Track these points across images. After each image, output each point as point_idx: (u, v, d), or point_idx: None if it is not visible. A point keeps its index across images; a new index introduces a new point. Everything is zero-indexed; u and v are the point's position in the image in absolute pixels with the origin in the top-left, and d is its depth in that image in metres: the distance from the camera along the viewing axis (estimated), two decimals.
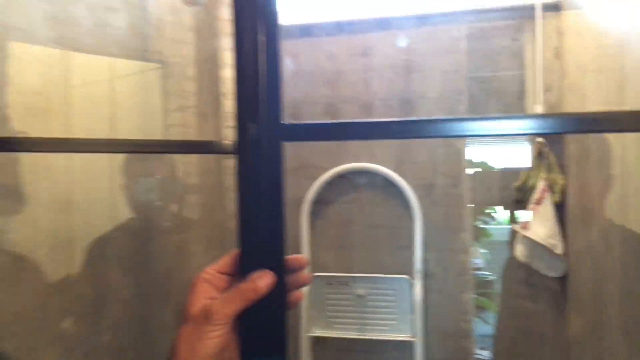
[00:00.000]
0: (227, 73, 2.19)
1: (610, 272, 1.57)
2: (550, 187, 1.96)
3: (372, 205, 2.04)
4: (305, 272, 0.66)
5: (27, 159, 1.41)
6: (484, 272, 3.46)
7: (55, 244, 1.48)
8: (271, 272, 0.63)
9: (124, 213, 1.76)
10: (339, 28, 2.00)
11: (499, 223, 3.71)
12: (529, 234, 1.97)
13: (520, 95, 2.10)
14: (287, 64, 2.03)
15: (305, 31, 2.03)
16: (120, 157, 1.78)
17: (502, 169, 2.28)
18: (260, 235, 0.86)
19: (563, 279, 2.01)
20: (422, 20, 1.91)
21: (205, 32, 2.14)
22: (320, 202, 2.07)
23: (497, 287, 2.47)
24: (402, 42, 1.95)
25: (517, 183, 2.08)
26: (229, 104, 2.23)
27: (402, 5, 1.92)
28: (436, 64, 1.94)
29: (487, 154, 3.54)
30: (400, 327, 1.98)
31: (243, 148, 0.82)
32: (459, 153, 1.96)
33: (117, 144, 1.32)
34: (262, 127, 0.82)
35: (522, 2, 1.93)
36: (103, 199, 1.71)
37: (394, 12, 1.95)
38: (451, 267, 1.99)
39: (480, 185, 2.23)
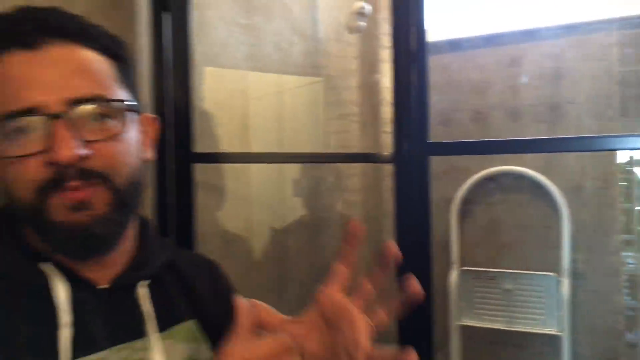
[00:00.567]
0: (386, 82, 2.42)
1: None
2: None
3: (520, 206, 2.16)
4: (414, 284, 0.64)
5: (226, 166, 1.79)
6: None
7: (249, 233, 1.86)
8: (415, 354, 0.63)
9: (299, 210, 2.11)
10: (488, 40, 2.15)
11: None
12: None
13: None
14: (438, 77, 2.22)
15: (455, 45, 2.21)
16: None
17: None
18: (412, 233, 1.13)
19: None
20: (571, 29, 1.99)
21: (366, 47, 2.41)
22: (469, 202, 2.23)
23: None
24: (550, 50, 2.04)
25: None
26: (386, 111, 2.45)
27: (550, 16, 2.02)
28: (585, 70, 2.00)
29: None
30: (548, 322, 2.07)
31: (398, 161, 1.09)
32: (611, 155, 2.00)
33: (293, 156, 1.64)
34: (413, 144, 1.07)
35: None
36: (284, 198, 2.06)
37: (542, 23, 2.05)
38: (601, 268, 2.04)
39: None
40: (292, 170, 2.10)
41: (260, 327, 0.62)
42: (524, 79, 2.11)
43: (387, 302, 0.64)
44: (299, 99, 2.24)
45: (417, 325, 1.15)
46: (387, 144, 2.30)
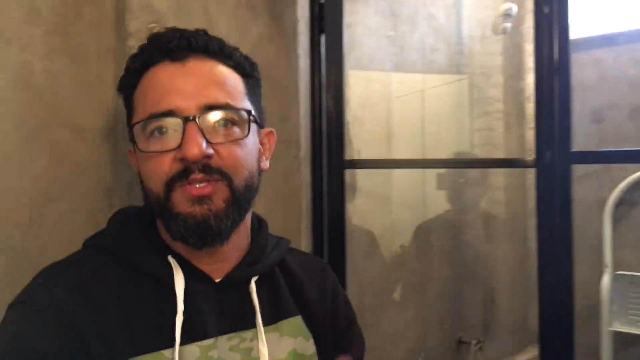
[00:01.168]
0: (530, 78, 2.37)
1: None
2: None
3: None
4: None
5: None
6: None
7: (393, 231, 1.97)
8: None
9: (442, 205, 2.16)
10: None
11: None
12: None
13: None
14: (590, 73, 2.14)
15: (609, 40, 2.11)
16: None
17: None
18: (554, 236, 1.16)
19: None
20: None
21: (511, 43, 2.37)
22: (624, 203, 2.12)
23: None
24: None
25: None
26: (531, 107, 2.40)
27: None
28: None
29: None
30: None
31: (540, 168, 1.12)
32: None
33: (438, 162, 1.71)
34: (556, 152, 1.10)
35: None
36: (427, 193, 2.13)
37: None
38: None
39: None
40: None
41: None
42: None
43: None
44: (443, 98, 2.27)
45: (560, 329, 1.18)
46: (532, 141, 2.26)
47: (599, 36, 2.12)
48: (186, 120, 0.68)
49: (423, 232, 2.10)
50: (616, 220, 2.14)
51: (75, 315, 0.65)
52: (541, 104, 1.19)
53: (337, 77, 1.33)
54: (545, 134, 1.15)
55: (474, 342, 2.13)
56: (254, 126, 0.75)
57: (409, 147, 2.12)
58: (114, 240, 0.75)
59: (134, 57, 0.75)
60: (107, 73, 0.96)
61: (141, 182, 0.75)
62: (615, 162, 1.05)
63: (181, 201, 0.69)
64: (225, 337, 0.73)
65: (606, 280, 2.10)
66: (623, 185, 2.09)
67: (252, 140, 0.76)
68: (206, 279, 0.75)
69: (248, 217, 0.80)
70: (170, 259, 0.73)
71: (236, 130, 0.72)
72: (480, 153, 2.33)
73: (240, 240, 0.79)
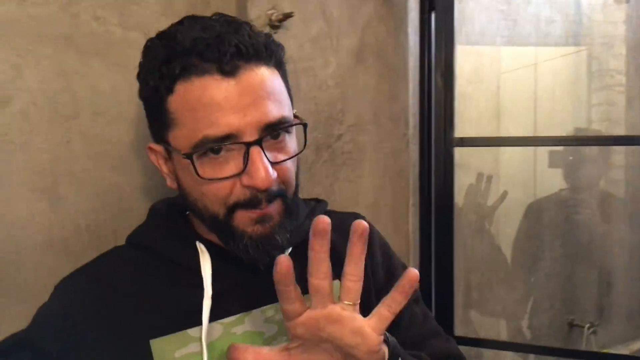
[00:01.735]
0: None
1: None
2: None
3: None
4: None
5: None
6: None
7: (503, 209, 1.93)
8: None
9: (556, 185, 2.08)
10: None
11: None
12: None
13: None
14: None
15: None
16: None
17: None
18: None
19: None
20: None
21: (634, 11, 2.21)
22: None
23: None
24: None
25: None
26: None
27: None
28: None
29: None
30: None
31: None
32: None
33: (551, 139, 1.65)
34: None
35: None
36: (538, 171, 2.06)
37: None
38: None
39: None
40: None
41: None
42: None
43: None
44: (558, 71, 2.17)
45: None
46: None
47: None
48: (249, 145, 0.64)
49: (534, 210, 2.04)
50: None
51: (88, 312, 0.69)
52: None
53: (447, 54, 1.33)
54: None
55: (587, 325, 2.05)
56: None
57: (520, 124, 2.06)
58: (145, 232, 0.78)
59: (166, 61, 0.66)
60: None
61: (187, 197, 0.72)
62: None
63: (244, 222, 0.68)
64: (259, 310, 0.73)
65: None
66: None
67: (296, 144, 0.73)
68: (235, 258, 0.72)
69: None
70: (198, 243, 0.74)
71: (290, 143, 0.70)
72: (599, 129, 2.21)
73: None
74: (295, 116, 0.73)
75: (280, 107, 0.68)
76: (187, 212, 0.79)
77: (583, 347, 2.03)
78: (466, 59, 1.85)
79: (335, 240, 0.74)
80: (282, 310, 0.62)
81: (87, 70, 0.86)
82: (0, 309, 0.78)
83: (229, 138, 0.64)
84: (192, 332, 0.69)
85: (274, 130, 0.66)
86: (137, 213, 0.91)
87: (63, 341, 0.68)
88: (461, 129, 1.70)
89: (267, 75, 0.67)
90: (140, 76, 0.71)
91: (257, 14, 1.06)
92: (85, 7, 0.85)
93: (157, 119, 0.70)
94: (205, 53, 0.64)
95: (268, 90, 0.67)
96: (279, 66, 0.71)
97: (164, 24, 0.93)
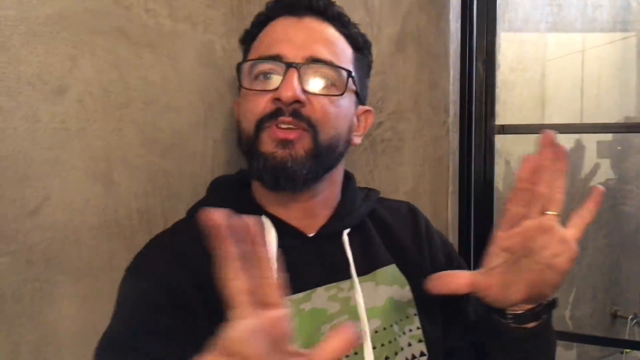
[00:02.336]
0: None
1: None
2: None
3: None
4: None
5: None
6: None
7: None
8: None
9: (602, 174, 2.03)
10: None
11: None
12: None
13: None
14: None
15: None
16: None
17: None
18: None
19: None
20: None
21: None
22: None
23: None
24: None
25: None
26: None
27: None
28: None
29: None
30: None
31: None
32: None
33: (595, 126, 1.62)
34: None
35: None
36: (584, 161, 2.02)
37: None
38: None
39: None
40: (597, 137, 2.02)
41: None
42: None
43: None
44: (605, 58, 2.11)
45: None
46: None
47: None
48: (289, 66, 0.72)
49: (578, 200, 2.00)
50: None
51: (173, 277, 0.71)
52: None
53: (488, 41, 1.33)
54: None
55: (630, 317, 2.01)
56: (351, 95, 0.79)
57: (566, 112, 2.01)
58: (210, 205, 0.80)
59: (259, 13, 0.82)
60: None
61: (238, 127, 0.80)
62: None
63: (267, 141, 0.73)
64: (323, 288, 0.75)
65: None
66: None
67: (347, 105, 0.78)
68: (299, 234, 0.78)
69: (337, 175, 0.83)
70: (263, 218, 0.77)
71: (333, 89, 0.75)
72: None
73: (330, 196, 0.82)
74: (360, 100, 0.82)
75: (332, 54, 0.75)
76: (250, 185, 0.82)
77: (626, 337, 2.00)
78: (508, 46, 1.82)
79: (393, 225, 0.87)
80: None
81: (139, 61, 0.90)
82: (62, 284, 0.83)
83: (275, 58, 0.74)
84: None
85: (317, 63, 0.74)
86: (184, 197, 0.95)
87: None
88: (504, 117, 1.69)
89: (331, 31, 0.78)
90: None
91: None
92: (137, 0, 0.89)
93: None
94: (285, 3, 0.79)
95: (326, 38, 0.76)
96: (354, 45, 0.80)
97: (210, 16, 0.97)
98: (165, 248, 0.76)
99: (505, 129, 1.35)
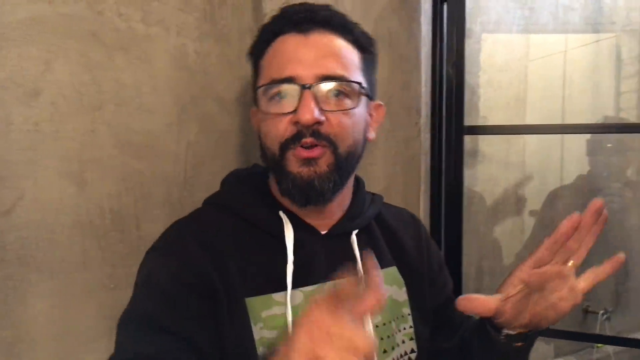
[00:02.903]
0: None
1: None
2: None
3: None
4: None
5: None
6: None
7: (520, 196, 1.95)
8: None
9: (576, 173, 2.07)
10: None
11: None
12: None
13: None
14: None
15: None
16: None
17: None
18: None
19: None
20: None
21: None
22: None
23: None
24: None
25: None
26: None
27: None
28: None
29: None
30: None
31: None
32: None
33: (569, 127, 1.65)
34: None
35: None
36: (560, 161, 2.06)
37: None
38: None
39: None
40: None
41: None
42: None
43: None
44: (579, 60, 2.16)
45: None
46: None
47: None
48: (303, 87, 0.76)
49: (553, 199, 2.04)
50: None
51: (199, 260, 0.76)
52: None
53: (458, 44, 1.36)
54: None
55: (601, 312, 2.07)
56: (363, 98, 0.82)
57: (548, 112, 2.05)
58: (231, 197, 0.86)
59: (265, 27, 0.85)
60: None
61: (259, 139, 0.84)
62: None
63: (292, 160, 0.77)
64: (332, 283, 0.80)
65: None
66: None
67: (361, 111, 0.82)
68: (313, 231, 0.84)
69: (351, 179, 0.88)
70: (282, 214, 0.83)
71: (347, 101, 0.79)
72: (628, 117, 2.19)
73: (343, 199, 0.88)
74: (370, 98, 0.85)
75: (343, 68, 0.78)
76: (268, 181, 0.88)
77: (597, 332, 2.05)
78: (490, 47, 1.86)
79: (397, 229, 0.94)
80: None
81: (111, 64, 0.92)
82: (35, 283, 0.85)
83: (288, 80, 0.77)
84: (275, 296, 0.77)
85: (329, 81, 0.77)
86: (157, 198, 0.98)
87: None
88: (481, 118, 1.72)
89: (338, 42, 0.80)
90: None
91: (272, 7, 1.10)
92: (110, 5, 0.91)
93: (255, 80, 0.85)
94: (289, 17, 0.81)
95: (334, 52, 0.79)
96: (360, 48, 0.83)
97: (183, 20, 0.99)
98: (191, 233, 0.80)
99: (475, 130, 1.39)
